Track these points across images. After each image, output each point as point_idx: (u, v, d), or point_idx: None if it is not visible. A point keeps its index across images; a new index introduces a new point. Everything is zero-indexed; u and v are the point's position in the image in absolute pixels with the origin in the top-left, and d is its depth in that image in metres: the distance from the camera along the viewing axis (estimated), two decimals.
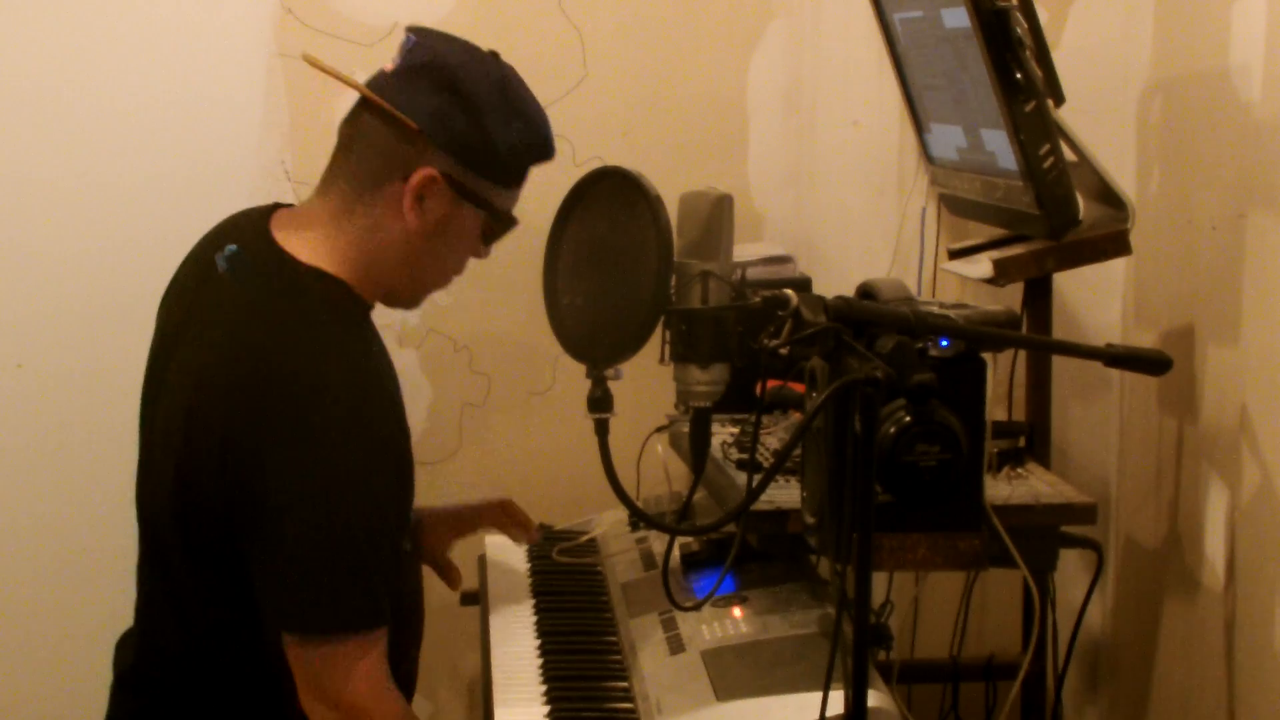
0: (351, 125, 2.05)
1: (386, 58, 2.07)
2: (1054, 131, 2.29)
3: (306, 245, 2.04)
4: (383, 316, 2.92)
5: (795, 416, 2.41)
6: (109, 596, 2.89)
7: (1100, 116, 2.73)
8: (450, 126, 2.00)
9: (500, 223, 2.11)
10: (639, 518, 2.25)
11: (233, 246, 2.06)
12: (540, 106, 2.11)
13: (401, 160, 2.01)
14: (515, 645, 2.27)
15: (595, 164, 2.10)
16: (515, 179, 2.10)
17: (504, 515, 2.49)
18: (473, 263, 2.96)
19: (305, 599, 1.95)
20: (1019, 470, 2.40)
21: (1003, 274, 2.42)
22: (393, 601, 2.02)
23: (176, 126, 2.89)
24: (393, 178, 2.01)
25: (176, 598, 2.08)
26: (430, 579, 2.46)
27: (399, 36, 2.08)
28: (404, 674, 2.14)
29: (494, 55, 2.09)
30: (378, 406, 1.98)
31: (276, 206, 2.12)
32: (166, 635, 2.11)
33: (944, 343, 1.80)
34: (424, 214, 2.02)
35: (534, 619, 2.36)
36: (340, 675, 1.95)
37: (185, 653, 2.08)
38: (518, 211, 2.13)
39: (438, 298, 2.96)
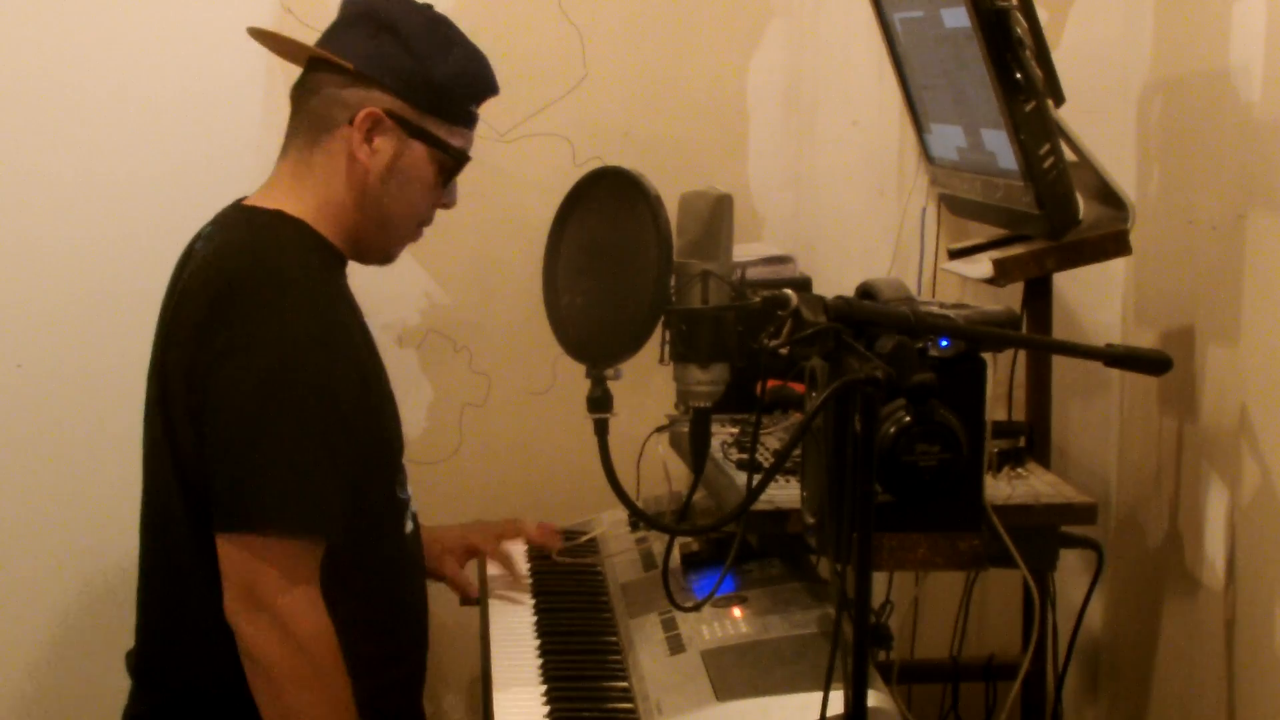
0: (300, 86, 2.14)
1: None
2: (1054, 131, 2.29)
3: (271, 200, 2.12)
4: (383, 316, 2.96)
5: (795, 416, 2.41)
6: (110, 597, 2.90)
7: (1100, 116, 2.73)
8: (388, 64, 2.08)
9: (453, 158, 2.16)
10: (639, 518, 2.25)
11: (209, 228, 2.15)
12: (477, 48, 2.17)
13: (346, 104, 2.09)
14: (515, 645, 2.27)
15: (595, 164, 2.10)
16: (460, 114, 2.15)
17: (520, 531, 2.51)
18: (473, 264, 2.97)
19: (240, 492, 1.97)
20: (1019, 470, 2.40)
21: (1003, 274, 2.42)
22: (393, 557, 2.04)
23: (176, 126, 2.89)
24: (340, 122, 2.09)
25: (175, 564, 2.10)
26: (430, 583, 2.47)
27: None
28: (405, 675, 2.14)
29: (428, 4, 2.16)
30: (333, 322, 2.03)
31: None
32: (165, 609, 2.13)
33: (944, 343, 1.80)
34: (375, 154, 2.09)
35: (534, 619, 2.36)
36: (271, 578, 1.95)
37: (185, 630, 2.09)
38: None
39: (438, 297, 2.98)
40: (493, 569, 2.52)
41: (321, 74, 2.11)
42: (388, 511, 2.15)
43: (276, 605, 1.95)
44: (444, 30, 2.13)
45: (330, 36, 2.13)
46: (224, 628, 2.02)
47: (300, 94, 2.14)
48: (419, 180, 2.14)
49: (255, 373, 1.96)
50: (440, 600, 2.46)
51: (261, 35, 2.19)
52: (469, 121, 2.17)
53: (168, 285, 2.18)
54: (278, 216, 2.10)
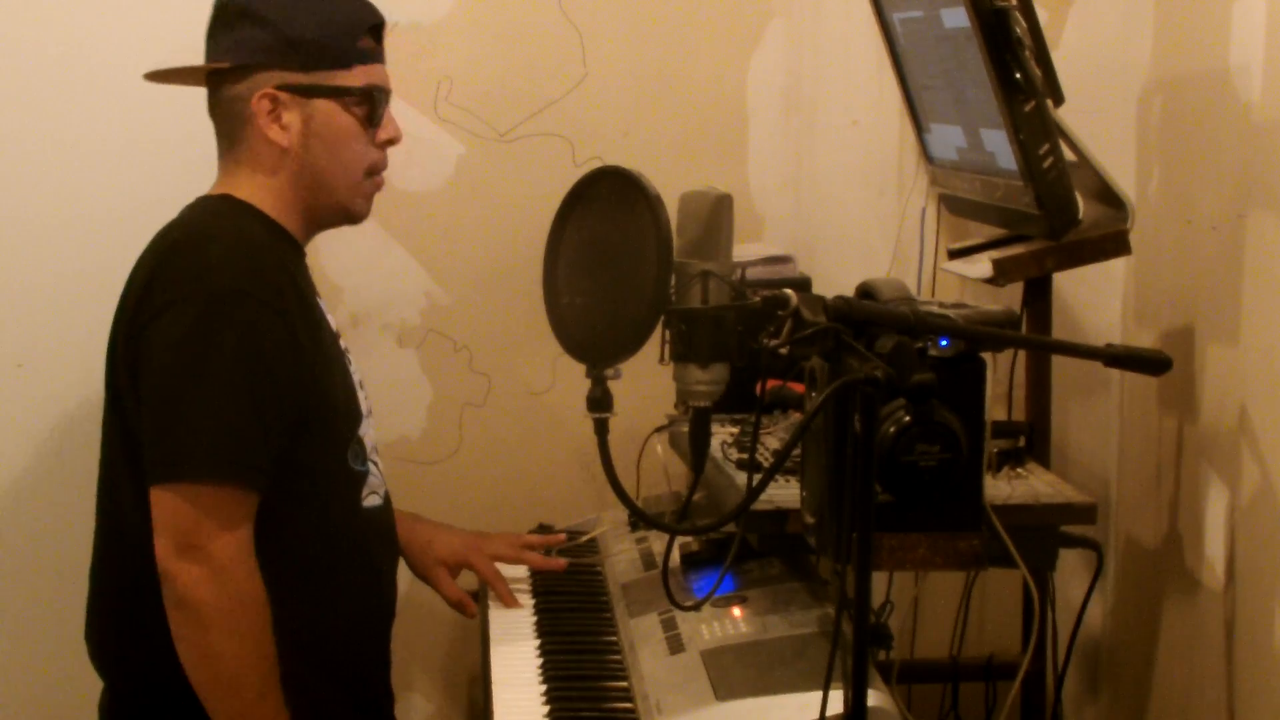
0: (209, 105, 2.21)
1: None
2: (1054, 131, 2.29)
3: (221, 187, 2.19)
4: (383, 316, 2.96)
5: (795, 416, 2.41)
6: None
7: (1100, 116, 2.73)
8: (255, 45, 2.13)
9: (363, 98, 2.17)
10: (639, 518, 2.26)
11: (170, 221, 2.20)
12: None
13: (241, 98, 2.14)
14: (515, 645, 2.27)
15: (595, 164, 2.10)
16: (348, 53, 2.17)
17: (517, 546, 2.50)
18: (473, 264, 2.96)
19: (167, 442, 2.00)
20: (1019, 470, 2.40)
21: (1003, 274, 2.42)
22: (347, 548, 2.09)
23: (176, 127, 2.88)
24: (245, 116, 2.15)
25: (122, 531, 2.13)
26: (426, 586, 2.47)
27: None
28: (358, 650, 2.15)
29: None
30: (263, 272, 2.06)
31: None
32: (112, 575, 2.17)
33: (944, 343, 1.80)
34: (286, 129, 2.14)
35: (534, 619, 2.36)
36: (202, 525, 1.97)
37: (134, 598, 2.09)
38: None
39: (438, 298, 2.98)
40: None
41: (214, 82, 2.18)
42: (338, 481, 2.15)
43: (208, 550, 1.97)
44: None
45: (208, 48, 2.19)
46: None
47: (211, 111, 2.20)
48: (341, 132, 2.16)
49: (181, 325, 2.01)
50: (439, 601, 2.46)
51: (160, 76, 2.25)
52: (363, 57, 2.18)
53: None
54: (226, 199, 2.16)
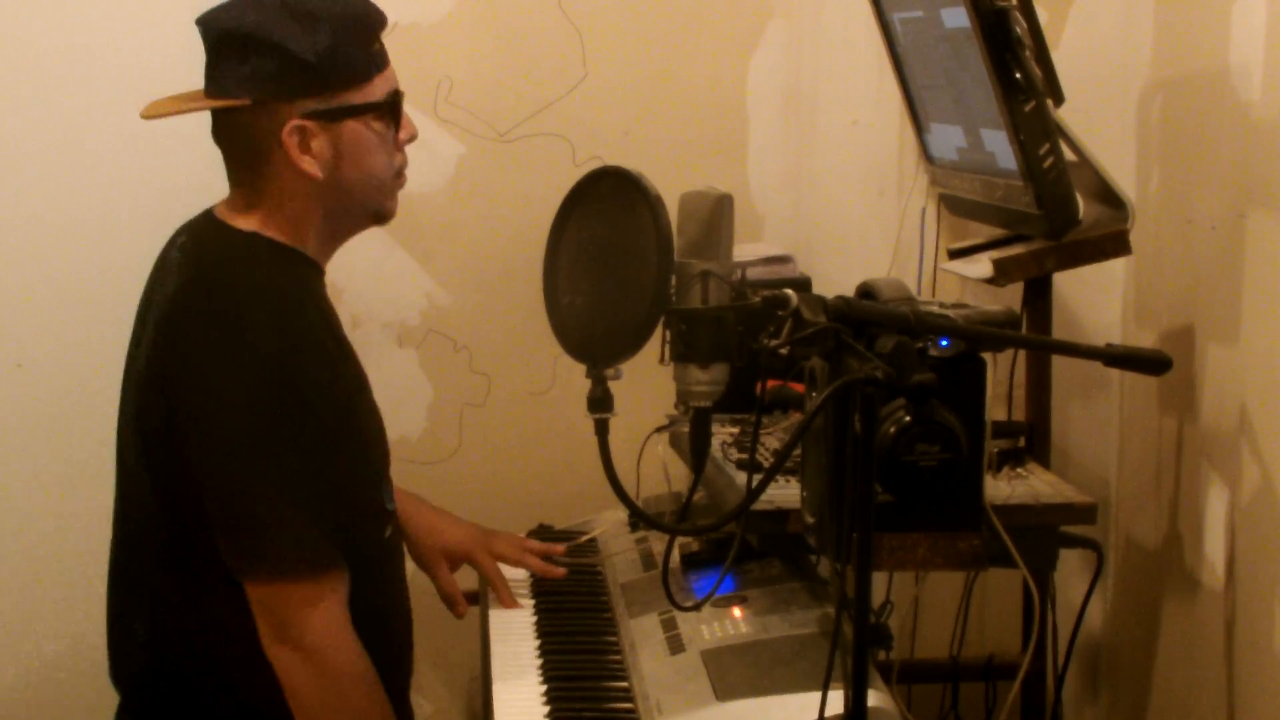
0: (216, 134, 2.10)
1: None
2: (1054, 131, 2.29)
3: (241, 217, 2.10)
4: (383, 316, 2.96)
5: (795, 416, 2.41)
6: None
7: (1100, 116, 2.73)
8: (273, 77, 2.02)
9: (385, 109, 2.11)
10: (639, 518, 2.25)
11: (183, 237, 2.14)
12: None
13: (265, 131, 2.04)
14: (515, 645, 2.27)
15: (595, 164, 2.10)
16: (363, 68, 2.08)
17: (520, 549, 2.49)
18: (473, 264, 2.97)
19: (253, 541, 1.98)
20: (1019, 470, 2.40)
21: (1003, 274, 2.42)
22: (378, 560, 2.05)
23: (175, 127, 2.88)
24: (270, 150, 2.05)
25: (148, 579, 2.10)
26: (427, 585, 2.47)
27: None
28: (390, 680, 2.14)
29: None
30: (308, 348, 2.01)
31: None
32: (136, 646, 2.12)
33: (944, 343, 1.80)
34: (318, 156, 2.05)
35: (534, 619, 2.36)
36: (297, 617, 1.97)
37: (163, 643, 2.09)
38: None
39: (438, 298, 2.98)
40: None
41: (227, 116, 2.07)
42: (371, 521, 2.14)
43: (302, 636, 1.97)
44: (292, 8, 2.03)
45: (211, 80, 2.06)
46: (207, 630, 2.05)
47: (220, 140, 2.11)
48: (368, 147, 2.09)
49: (236, 407, 1.96)
50: (439, 599, 2.46)
51: (157, 111, 2.14)
52: (379, 64, 2.09)
53: (145, 287, 2.17)
54: (246, 238, 2.07)
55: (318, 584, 1.99)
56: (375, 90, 2.09)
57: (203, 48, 2.08)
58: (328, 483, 2.01)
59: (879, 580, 2.56)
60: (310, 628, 1.98)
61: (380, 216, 2.18)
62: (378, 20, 2.11)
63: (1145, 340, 2.71)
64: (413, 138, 2.17)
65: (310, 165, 2.05)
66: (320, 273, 2.15)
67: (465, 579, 2.49)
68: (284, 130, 2.03)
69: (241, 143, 2.07)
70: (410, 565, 2.44)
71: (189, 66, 2.87)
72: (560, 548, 2.52)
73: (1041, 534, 2.25)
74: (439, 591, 2.44)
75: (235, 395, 1.96)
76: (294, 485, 1.97)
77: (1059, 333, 2.69)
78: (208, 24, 2.06)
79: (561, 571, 2.47)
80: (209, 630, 2.05)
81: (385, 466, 2.18)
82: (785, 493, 2.17)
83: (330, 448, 2.01)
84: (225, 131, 2.09)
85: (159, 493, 2.05)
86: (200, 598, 2.05)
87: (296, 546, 1.97)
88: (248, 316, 1.99)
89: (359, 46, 2.06)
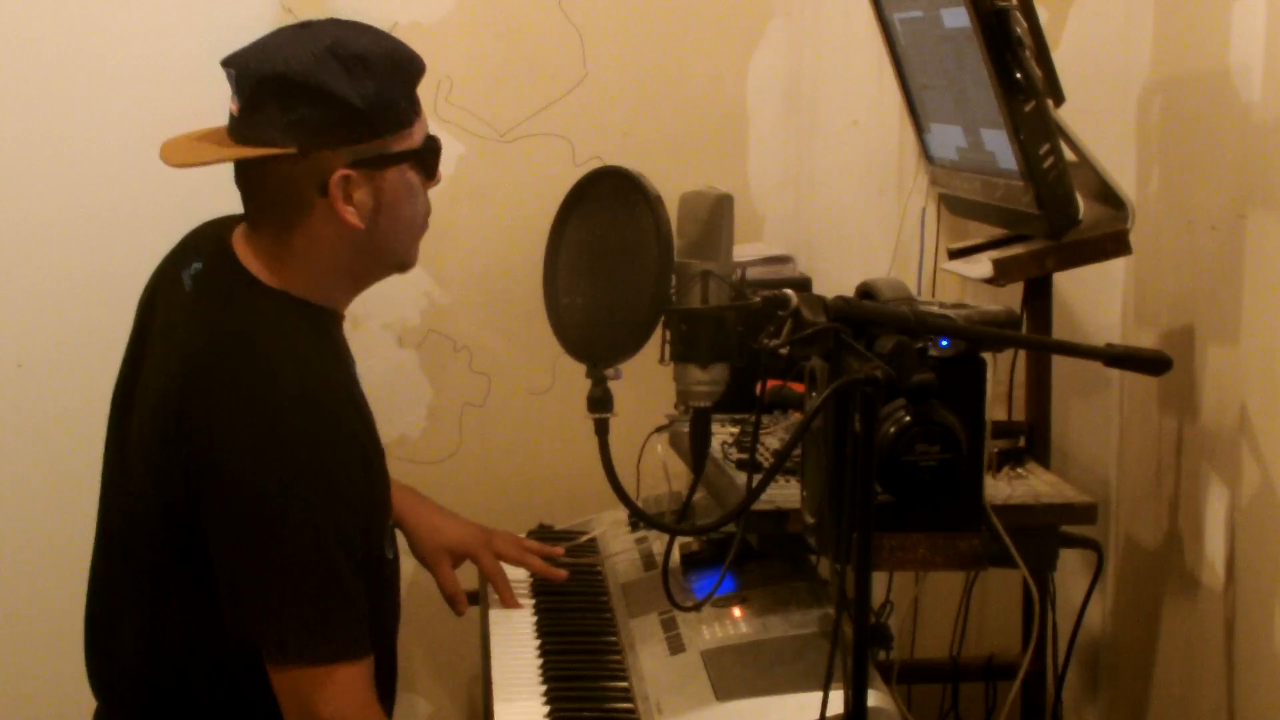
0: (243, 177, 2.02)
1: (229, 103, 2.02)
2: (1054, 131, 2.29)
3: (265, 267, 2.02)
4: (383, 316, 2.96)
5: (795, 416, 2.41)
6: None
7: (1100, 116, 2.73)
8: (320, 123, 1.94)
9: (425, 156, 2.05)
10: (639, 518, 2.25)
11: (198, 264, 2.07)
12: (378, 37, 2.02)
13: (307, 180, 1.96)
14: (515, 645, 2.27)
15: (595, 164, 2.10)
16: (405, 114, 2.01)
17: (521, 549, 2.49)
18: (473, 264, 2.97)
19: (274, 625, 1.92)
20: (1019, 470, 2.40)
21: (1003, 274, 2.42)
22: (374, 608, 2.00)
23: (176, 127, 2.88)
24: (310, 199, 1.98)
25: (140, 613, 2.06)
26: (428, 580, 2.46)
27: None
28: (382, 680, 2.13)
29: (306, 26, 2.02)
30: (333, 407, 1.95)
31: (240, 218, 2.08)
32: (125, 659, 2.09)
33: (944, 343, 1.80)
34: (359, 206, 1.98)
35: (534, 619, 2.36)
36: (326, 702, 1.92)
37: (145, 675, 2.07)
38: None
39: (438, 298, 2.98)
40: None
41: (262, 163, 1.97)
42: (373, 572, 2.07)
43: (328, 717, 1.93)
44: (341, 52, 1.94)
45: (249, 125, 1.97)
46: (185, 662, 2.03)
47: (247, 185, 2.02)
48: (406, 196, 2.03)
49: (261, 488, 1.89)
50: (439, 598, 2.46)
51: (188, 159, 2.02)
52: (416, 110, 2.02)
53: (146, 296, 2.15)
54: (274, 296, 2.01)
55: (349, 668, 1.94)
56: (415, 136, 2.02)
57: (220, 79, 2.01)
58: (360, 542, 1.97)
59: (879, 580, 2.56)
60: (338, 707, 1.93)
61: (404, 266, 2.11)
62: (420, 66, 2.04)
63: (1145, 340, 2.71)
64: (438, 183, 2.10)
65: (353, 215, 1.98)
66: (341, 319, 2.10)
67: (466, 579, 2.49)
68: (332, 180, 1.95)
69: (276, 191, 1.99)
70: (412, 563, 2.44)
71: (190, 66, 2.89)
72: (561, 550, 2.52)
73: (1041, 534, 2.25)
74: (440, 589, 2.43)
75: (263, 474, 1.90)
76: (329, 556, 1.92)
77: (1059, 333, 2.69)
78: (243, 68, 1.97)
79: (563, 574, 2.46)
80: (203, 649, 2.03)
81: (389, 516, 2.12)
82: (785, 493, 2.17)
83: (362, 507, 1.97)
84: (256, 177, 1.99)
85: (172, 527, 1.99)
86: (198, 618, 2.01)
87: (325, 636, 1.92)
88: (279, 394, 1.92)
89: (402, 92, 2.00)
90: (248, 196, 2.03)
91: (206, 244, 2.10)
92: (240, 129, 1.98)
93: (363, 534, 1.98)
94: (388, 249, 2.06)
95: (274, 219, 2.01)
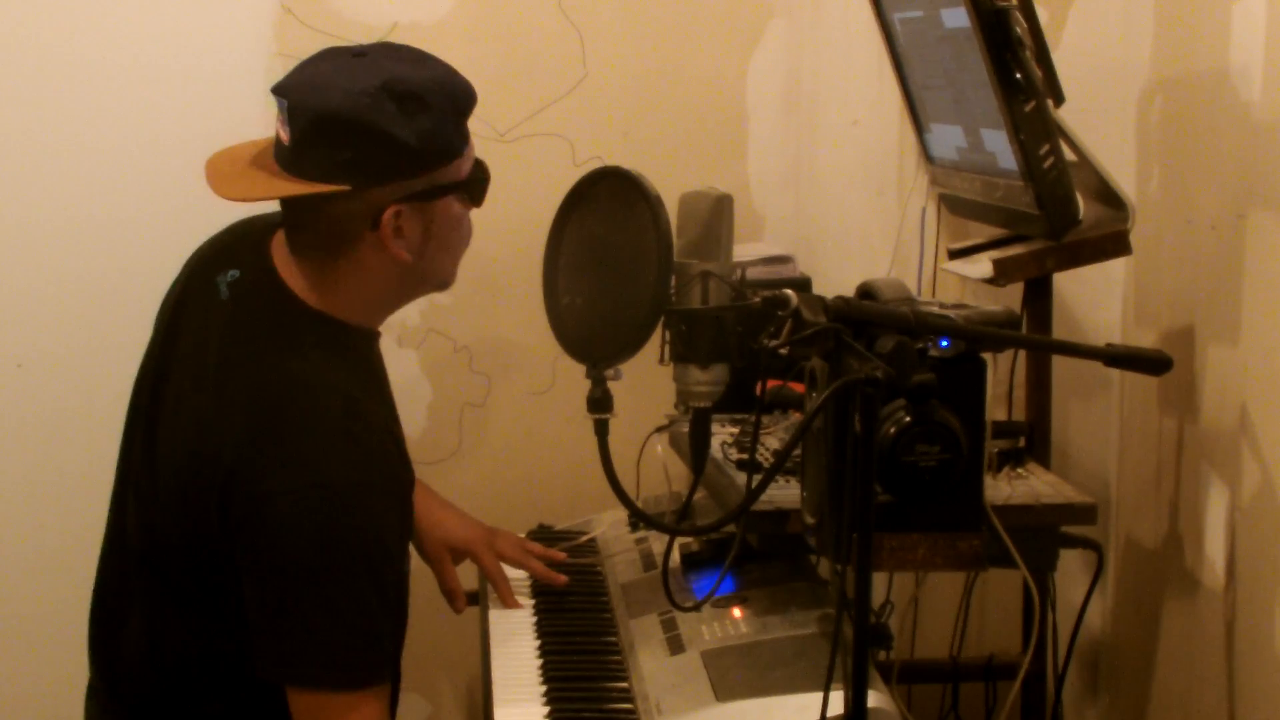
0: (290, 207, 2.02)
1: (277, 127, 1.99)
2: (1054, 131, 2.29)
3: (306, 287, 2.02)
4: None
5: (795, 416, 2.41)
6: None
7: (1100, 116, 2.73)
8: (375, 161, 1.94)
9: (474, 184, 2.05)
10: (639, 518, 2.25)
11: (235, 272, 2.06)
12: (432, 69, 2.01)
13: (359, 216, 1.96)
14: (515, 645, 2.27)
15: (595, 164, 2.10)
16: (456, 146, 2.01)
17: (523, 550, 2.48)
18: (473, 264, 2.97)
19: (298, 649, 1.93)
20: (1019, 470, 2.40)
21: (1003, 274, 2.42)
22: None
23: (176, 127, 2.89)
24: (360, 232, 1.98)
25: (156, 624, 2.07)
26: (429, 580, 2.47)
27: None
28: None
29: (359, 56, 1.99)
30: (376, 448, 1.96)
31: (275, 226, 2.08)
32: (131, 659, 2.10)
33: (944, 343, 1.80)
34: (408, 239, 1.99)
35: (534, 619, 2.36)
36: None
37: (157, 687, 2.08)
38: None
39: (438, 298, 2.98)
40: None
41: (314, 197, 1.96)
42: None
43: None
44: (396, 89, 1.93)
45: (301, 158, 1.94)
46: (197, 676, 2.04)
47: (293, 215, 2.02)
48: (455, 225, 2.05)
49: (299, 523, 1.89)
50: (440, 598, 2.46)
51: (242, 194, 2.00)
52: (466, 139, 2.03)
53: (171, 295, 2.14)
54: (317, 320, 2.01)
55: (363, 695, 1.94)
56: (465, 166, 2.03)
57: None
58: (391, 570, 1.97)
59: (879, 580, 2.56)
60: None
61: (444, 286, 2.12)
62: (472, 97, 2.03)
63: (1145, 340, 2.71)
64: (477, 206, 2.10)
65: (402, 250, 1.98)
66: (378, 335, 2.11)
67: (466, 578, 2.49)
68: (384, 217, 1.95)
69: (326, 224, 1.98)
70: (412, 561, 2.44)
71: (190, 65, 2.89)
72: (563, 555, 2.51)
73: (1041, 534, 2.25)
74: (440, 585, 2.43)
75: (302, 509, 1.89)
76: (360, 587, 1.92)
77: (1059, 333, 2.69)
78: (295, 102, 1.94)
79: (563, 579, 2.46)
80: (211, 657, 2.03)
81: (411, 535, 2.14)
82: (785, 493, 2.17)
83: (395, 537, 1.98)
84: (307, 209, 1.98)
85: (198, 549, 1.99)
86: (209, 630, 2.02)
87: (348, 663, 1.93)
88: (321, 430, 1.92)
89: (450, 129, 2.00)
90: (294, 224, 2.03)
91: (244, 252, 2.09)
92: (292, 161, 1.96)
93: (397, 572, 1.99)
94: (432, 274, 2.08)
95: (321, 247, 2.01)
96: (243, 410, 1.95)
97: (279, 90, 1.97)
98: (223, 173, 2.01)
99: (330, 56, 2.00)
